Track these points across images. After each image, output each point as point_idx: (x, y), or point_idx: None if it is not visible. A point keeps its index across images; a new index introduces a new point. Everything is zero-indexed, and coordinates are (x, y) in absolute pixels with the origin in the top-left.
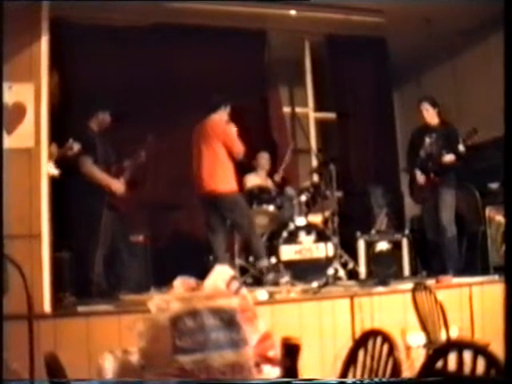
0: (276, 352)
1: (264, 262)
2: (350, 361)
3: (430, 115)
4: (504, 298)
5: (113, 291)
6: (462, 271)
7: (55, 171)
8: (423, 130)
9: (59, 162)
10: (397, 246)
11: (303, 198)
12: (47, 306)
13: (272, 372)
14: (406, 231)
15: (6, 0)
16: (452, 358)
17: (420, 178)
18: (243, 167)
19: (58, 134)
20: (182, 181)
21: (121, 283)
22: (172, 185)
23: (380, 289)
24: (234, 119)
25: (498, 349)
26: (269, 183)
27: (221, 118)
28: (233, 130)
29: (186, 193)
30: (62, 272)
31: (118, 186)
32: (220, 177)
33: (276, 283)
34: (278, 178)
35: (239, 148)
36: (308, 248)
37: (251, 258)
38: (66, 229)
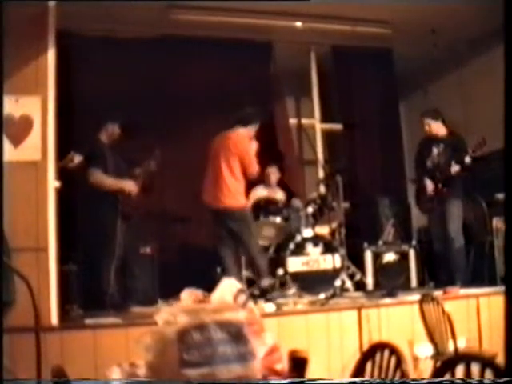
0: (283, 365)
1: (266, 282)
2: (358, 373)
3: (433, 129)
4: (504, 308)
5: (125, 303)
6: (469, 282)
7: (56, 183)
8: (431, 140)
9: (64, 174)
10: (404, 256)
11: (310, 209)
12: (54, 319)
13: None
14: (413, 242)
15: (5, 0)
16: (460, 370)
17: (429, 186)
18: (251, 179)
19: (65, 147)
20: (191, 193)
21: (130, 295)
22: (181, 197)
23: (387, 300)
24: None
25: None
26: (276, 195)
27: (248, 133)
28: (253, 147)
29: (194, 205)
30: (69, 284)
31: (131, 186)
32: (232, 192)
33: (283, 295)
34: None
35: (254, 168)
36: (315, 259)
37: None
38: (73, 241)
